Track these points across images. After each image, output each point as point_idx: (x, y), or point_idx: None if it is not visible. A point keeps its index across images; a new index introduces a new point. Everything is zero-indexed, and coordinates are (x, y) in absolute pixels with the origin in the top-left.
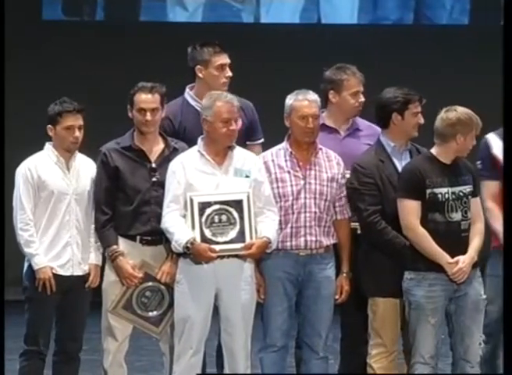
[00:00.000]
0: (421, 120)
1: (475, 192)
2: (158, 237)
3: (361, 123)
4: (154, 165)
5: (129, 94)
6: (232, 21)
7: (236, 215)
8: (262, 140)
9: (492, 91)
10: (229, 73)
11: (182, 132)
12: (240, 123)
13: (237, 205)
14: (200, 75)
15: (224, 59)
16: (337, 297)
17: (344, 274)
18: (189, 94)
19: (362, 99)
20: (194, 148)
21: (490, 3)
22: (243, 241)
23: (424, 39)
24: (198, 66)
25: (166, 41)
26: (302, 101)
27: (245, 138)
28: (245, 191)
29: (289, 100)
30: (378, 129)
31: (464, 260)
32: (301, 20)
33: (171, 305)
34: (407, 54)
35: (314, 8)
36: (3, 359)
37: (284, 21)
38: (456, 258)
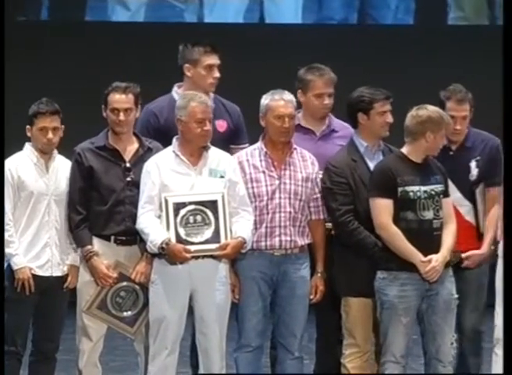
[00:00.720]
0: (389, 119)
1: (447, 192)
2: (133, 237)
3: (337, 124)
4: (128, 164)
5: (103, 93)
6: (175, 21)
7: (210, 215)
8: (247, 144)
9: (437, 90)
10: (217, 74)
11: (166, 129)
12: (224, 124)
13: (212, 205)
14: (188, 74)
15: (213, 60)
16: (312, 297)
17: (319, 274)
18: (176, 92)
19: (327, 101)
20: (169, 149)
21: (435, 3)
22: (218, 242)
23: (368, 39)
24: (187, 65)
25: (109, 41)
26: (278, 100)
27: (229, 142)
28: (220, 192)
29: (265, 100)
30: (352, 130)
31: (437, 259)
32: (245, 20)
33: (145, 305)
34: (352, 54)
35: (258, 8)
36: (3, 359)
37: (228, 21)
38: (429, 257)
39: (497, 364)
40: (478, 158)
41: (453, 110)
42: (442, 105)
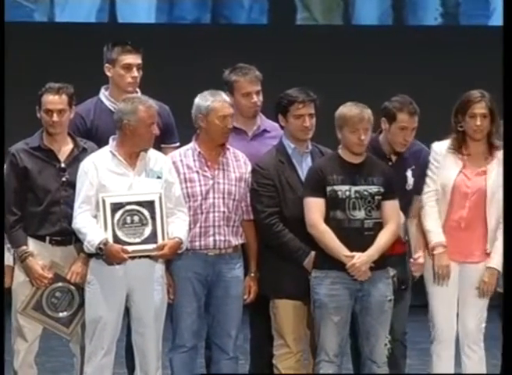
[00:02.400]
0: (307, 123)
1: (389, 195)
2: (68, 237)
3: (269, 124)
4: (63, 165)
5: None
6: (25, 20)
7: (148, 215)
8: (178, 144)
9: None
10: (135, 74)
11: (94, 131)
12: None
13: (149, 205)
14: (108, 74)
15: (131, 59)
16: (245, 297)
17: (252, 274)
18: (104, 94)
19: (255, 99)
20: (106, 149)
21: (288, 3)
22: (156, 242)
23: (222, 39)
24: (107, 65)
25: None
26: (222, 101)
27: (160, 141)
28: (157, 192)
29: (206, 101)
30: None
31: (360, 256)
32: (97, 19)
33: (81, 305)
34: (206, 54)
35: (110, 8)
36: (3, 359)
37: (79, 20)
38: (353, 253)
39: (438, 365)
40: (413, 167)
41: (405, 122)
42: (392, 116)
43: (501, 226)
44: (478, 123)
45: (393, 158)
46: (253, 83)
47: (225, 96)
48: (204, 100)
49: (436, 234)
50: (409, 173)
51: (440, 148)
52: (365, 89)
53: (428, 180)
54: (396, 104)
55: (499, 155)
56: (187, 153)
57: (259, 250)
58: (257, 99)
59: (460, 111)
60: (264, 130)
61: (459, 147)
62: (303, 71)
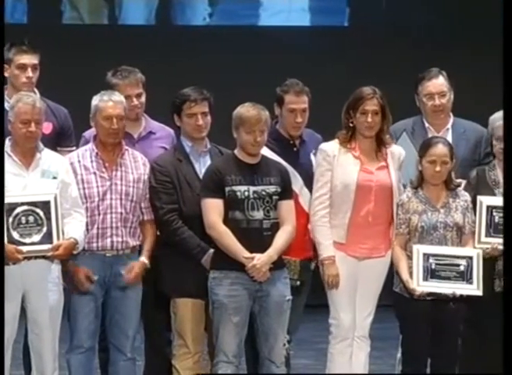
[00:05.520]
0: (199, 121)
1: (285, 194)
2: None
3: (155, 125)
4: None
5: None
6: None
7: (43, 216)
8: (74, 147)
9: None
10: (30, 74)
11: None
12: (50, 126)
13: (44, 206)
14: (6, 74)
15: (26, 59)
16: (126, 274)
17: (142, 259)
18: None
19: (135, 102)
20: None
21: (55, 2)
22: (51, 243)
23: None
24: (5, 65)
25: None
26: (107, 101)
27: (56, 144)
28: (52, 192)
29: (94, 101)
30: (171, 130)
31: (260, 257)
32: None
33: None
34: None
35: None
36: (3, 358)
37: None
38: (252, 255)
39: (340, 363)
40: (314, 151)
41: (292, 103)
42: (280, 101)
43: None
44: (370, 119)
45: (296, 143)
46: (132, 87)
47: (116, 96)
48: (93, 100)
49: (327, 247)
50: (312, 157)
51: (331, 148)
52: None
53: (318, 183)
54: (283, 87)
55: (392, 150)
56: (85, 154)
57: (160, 250)
58: (138, 102)
59: (352, 107)
60: (150, 132)
61: (348, 142)
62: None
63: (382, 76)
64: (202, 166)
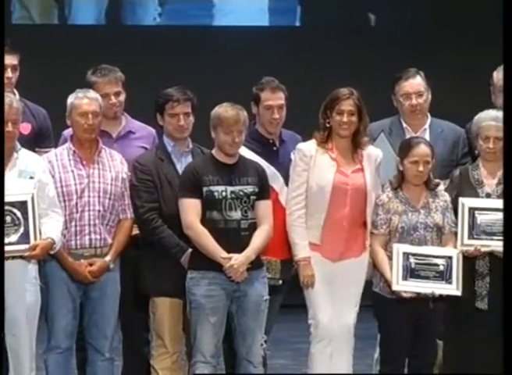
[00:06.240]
0: (181, 122)
1: (263, 194)
2: None
3: (135, 125)
4: None
5: None
6: None
7: (20, 216)
8: (53, 148)
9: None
10: (9, 74)
11: None
12: (29, 126)
13: (21, 206)
14: None
15: (6, 60)
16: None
17: (106, 258)
18: None
19: (113, 101)
20: None
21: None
22: (28, 242)
23: None
24: None
25: None
26: (82, 98)
27: (35, 145)
28: (29, 192)
29: (70, 99)
30: (152, 130)
31: (238, 258)
32: None
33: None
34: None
35: None
36: (2, 359)
37: None
38: (230, 255)
39: (321, 363)
40: (294, 151)
41: (269, 99)
42: (257, 99)
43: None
44: (345, 119)
45: (276, 142)
46: (111, 85)
47: (90, 93)
48: (69, 98)
49: (303, 248)
50: (292, 157)
51: (308, 148)
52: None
53: (294, 183)
54: (258, 86)
55: (368, 152)
56: (63, 152)
57: (139, 249)
58: (117, 100)
59: (329, 107)
60: (130, 132)
61: (325, 143)
62: None
63: (335, 77)
64: (184, 165)
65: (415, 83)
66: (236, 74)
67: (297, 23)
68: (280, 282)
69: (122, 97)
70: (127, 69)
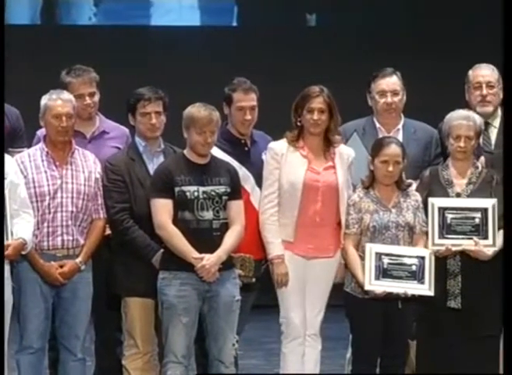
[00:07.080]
0: (153, 121)
1: (235, 195)
2: None
3: (109, 125)
4: None
5: None
6: None
7: None
8: (26, 148)
9: None
10: None
11: None
12: None
13: None
14: None
15: None
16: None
17: (78, 260)
18: None
19: (87, 101)
20: None
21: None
22: None
23: None
24: None
25: None
26: (56, 100)
27: (7, 145)
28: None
29: (43, 100)
30: (126, 130)
31: (209, 258)
32: None
33: None
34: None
35: None
36: (3, 359)
37: None
38: (202, 255)
39: (293, 362)
40: (265, 151)
41: (241, 100)
42: (229, 100)
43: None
44: (316, 117)
45: (248, 142)
46: (86, 85)
47: (64, 95)
48: (42, 99)
49: (276, 246)
50: (264, 157)
51: (279, 147)
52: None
53: (266, 181)
54: (230, 86)
55: (340, 150)
56: (36, 153)
57: (112, 249)
58: (91, 101)
59: (300, 105)
60: (104, 132)
61: (296, 141)
62: None
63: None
64: (155, 165)
65: (391, 82)
66: (175, 74)
67: (234, 23)
68: (254, 280)
69: (97, 97)
70: (63, 69)
